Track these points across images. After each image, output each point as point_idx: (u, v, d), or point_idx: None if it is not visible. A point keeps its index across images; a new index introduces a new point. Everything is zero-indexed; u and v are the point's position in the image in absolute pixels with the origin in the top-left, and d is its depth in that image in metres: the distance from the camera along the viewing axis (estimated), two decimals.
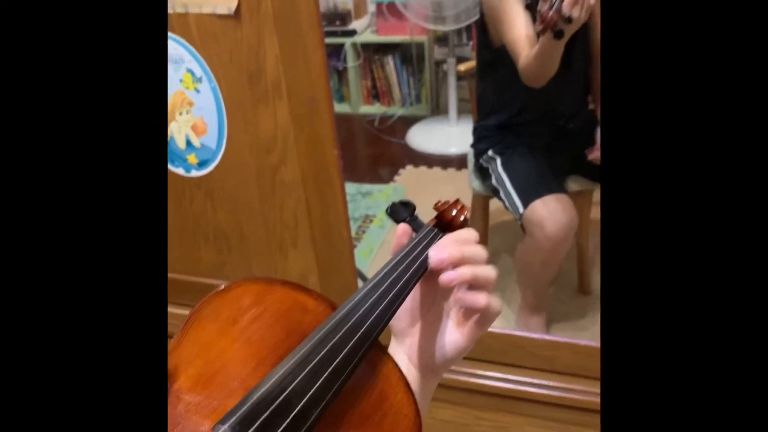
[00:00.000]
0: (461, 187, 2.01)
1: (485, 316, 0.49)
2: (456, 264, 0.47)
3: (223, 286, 0.45)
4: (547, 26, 1.18)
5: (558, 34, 1.20)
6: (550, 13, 1.16)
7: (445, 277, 0.47)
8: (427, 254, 0.50)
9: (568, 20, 1.18)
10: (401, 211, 0.56)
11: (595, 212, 1.69)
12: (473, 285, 0.48)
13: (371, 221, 2.25)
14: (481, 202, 1.73)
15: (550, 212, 1.42)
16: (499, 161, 1.56)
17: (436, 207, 0.58)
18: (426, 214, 0.58)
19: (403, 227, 0.54)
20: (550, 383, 1.17)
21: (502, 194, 1.53)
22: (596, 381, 1.15)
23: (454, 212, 0.57)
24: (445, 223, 0.56)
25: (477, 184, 1.68)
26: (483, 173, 1.63)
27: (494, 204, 1.66)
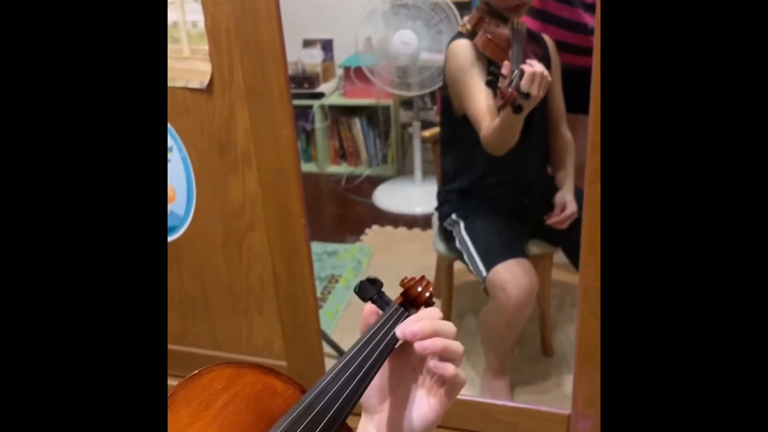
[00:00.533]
0: (426, 247, 2.05)
1: (452, 386, 0.53)
2: (428, 336, 0.51)
3: (197, 372, 0.47)
4: (507, 102, 1.24)
5: (517, 109, 1.26)
6: (510, 89, 1.22)
7: (420, 345, 0.50)
8: (393, 333, 0.52)
9: (527, 96, 1.24)
10: (369, 289, 0.58)
11: (556, 275, 1.74)
12: (443, 356, 0.51)
13: (337, 281, 2.26)
14: (446, 264, 1.76)
15: (512, 276, 1.45)
16: (462, 225, 1.60)
17: (402, 284, 0.60)
18: (392, 275, 0.59)
19: (370, 307, 0.56)
20: None
21: (465, 257, 1.56)
22: None
23: (419, 289, 0.59)
24: (410, 300, 0.58)
25: (441, 246, 1.71)
26: (447, 236, 1.67)
27: (459, 265, 1.70)
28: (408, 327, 0.51)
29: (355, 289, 0.58)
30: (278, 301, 1.20)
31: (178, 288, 1.27)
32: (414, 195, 2.77)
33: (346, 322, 1.99)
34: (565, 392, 1.61)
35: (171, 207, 1.20)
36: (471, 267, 1.53)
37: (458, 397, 1.27)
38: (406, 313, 0.56)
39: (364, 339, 0.52)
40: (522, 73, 1.23)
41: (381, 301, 0.57)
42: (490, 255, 1.49)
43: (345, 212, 2.82)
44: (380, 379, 0.54)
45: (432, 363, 0.51)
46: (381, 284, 0.58)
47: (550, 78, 1.27)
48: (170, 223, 1.21)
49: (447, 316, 1.80)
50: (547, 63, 1.50)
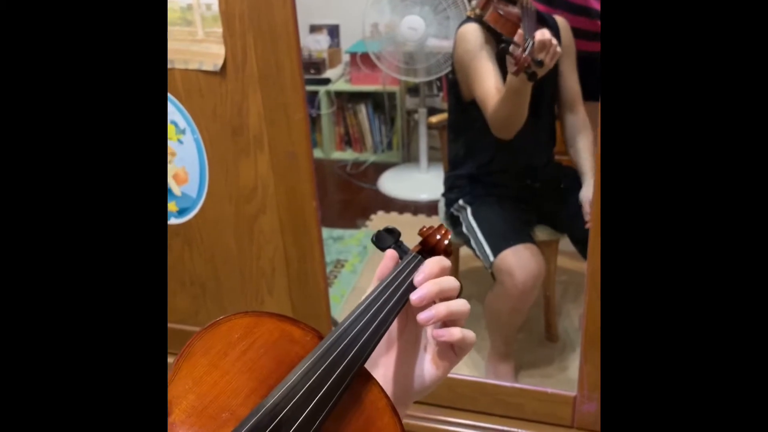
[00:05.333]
0: None
1: (461, 347, 0.52)
2: (434, 297, 0.49)
3: (213, 322, 0.47)
4: (521, 67, 1.25)
5: (531, 76, 1.27)
6: (524, 55, 1.24)
7: (423, 317, 0.49)
8: (411, 282, 0.51)
9: (540, 63, 1.25)
10: (386, 238, 0.57)
11: (561, 261, 1.75)
12: (448, 320, 0.50)
13: (343, 266, 2.27)
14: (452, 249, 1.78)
15: (519, 261, 1.46)
16: (469, 211, 1.61)
17: (420, 233, 0.60)
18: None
19: (391, 252, 0.56)
20: (519, 430, 1.20)
21: (472, 243, 1.57)
22: (564, 428, 1.19)
23: (438, 237, 0.58)
24: (429, 248, 0.58)
25: None
26: (454, 222, 1.68)
27: (464, 250, 1.71)
28: (413, 294, 0.50)
29: (372, 238, 0.57)
30: (289, 283, 1.21)
31: (189, 269, 1.29)
32: (419, 181, 2.78)
33: (352, 306, 2.01)
34: (568, 377, 1.63)
35: (183, 189, 1.21)
36: (478, 252, 1.55)
37: (465, 377, 1.27)
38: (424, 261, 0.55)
39: (382, 286, 0.51)
40: (534, 42, 1.24)
41: (399, 249, 0.56)
42: (497, 240, 1.51)
43: (350, 198, 2.83)
44: (388, 330, 0.52)
45: (435, 332, 0.50)
46: (399, 233, 0.57)
47: (559, 49, 1.28)
48: (182, 204, 1.22)
49: None
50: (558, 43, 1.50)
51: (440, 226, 0.59)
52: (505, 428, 1.21)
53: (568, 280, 1.96)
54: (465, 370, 1.65)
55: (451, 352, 0.52)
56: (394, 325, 0.54)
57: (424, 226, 0.59)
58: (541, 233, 1.64)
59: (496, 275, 1.50)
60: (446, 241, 0.58)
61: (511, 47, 1.26)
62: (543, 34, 1.26)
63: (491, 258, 1.49)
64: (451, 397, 1.22)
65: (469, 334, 0.50)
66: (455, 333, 0.49)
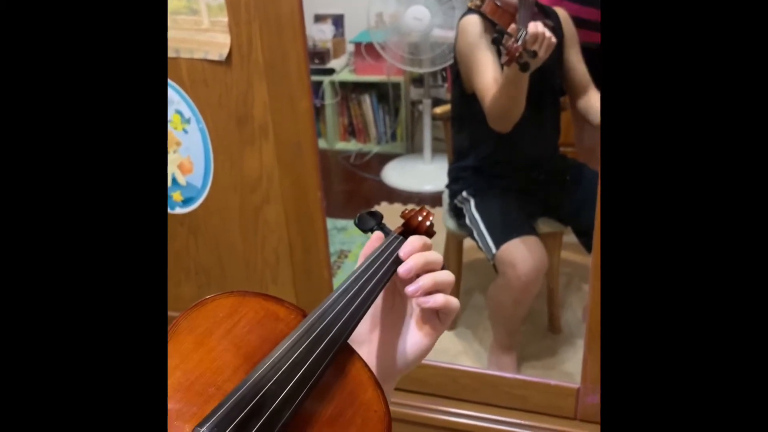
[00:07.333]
0: (436, 223, 2.06)
1: (445, 313, 0.54)
2: (421, 270, 0.52)
3: (199, 301, 0.48)
4: (512, 58, 1.24)
5: (524, 67, 1.26)
6: (515, 45, 1.23)
7: (410, 289, 0.51)
8: (393, 260, 0.53)
9: (533, 55, 1.25)
10: (368, 220, 0.58)
11: (565, 254, 1.75)
12: (434, 290, 0.52)
13: (346, 256, 2.28)
14: (456, 241, 1.78)
15: (522, 253, 1.47)
16: (473, 202, 1.61)
17: (403, 215, 0.61)
18: None
19: (378, 233, 0.57)
20: (522, 422, 1.21)
21: (475, 234, 1.58)
22: (567, 420, 1.19)
23: (419, 218, 0.60)
24: (411, 230, 0.59)
25: (451, 223, 1.72)
26: (457, 213, 1.68)
27: (468, 242, 1.71)
28: (401, 267, 0.52)
29: (354, 221, 0.58)
30: (293, 273, 1.22)
31: (194, 258, 1.29)
32: (423, 172, 2.78)
33: None
34: (570, 369, 1.63)
35: (188, 178, 1.21)
36: (480, 244, 1.55)
37: (468, 368, 1.28)
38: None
39: (364, 266, 0.52)
40: (527, 32, 1.24)
41: (382, 231, 0.57)
42: (500, 232, 1.51)
43: (354, 189, 2.83)
44: (372, 307, 0.54)
45: (418, 300, 0.52)
46: (381, 216, 0.59)
47: (554, 40, 1.27)
48: (187, 194, 1.22)
49: (456, 293, 1.82)
50: (558, 35, 1.49)
51: (422, 208, 0.61)
52: (508, 419, 1.21)
53: (571, 272, 1.96)
54: (468, 362, 1.66)
55: (436, 319, 0.54)
56: (380, 304, 0.56)
57: (406, 209, 0.61)
58: (545, 225, 1.64)
59: (498, 267, 1.50)
60: (428, 223, 0.59)
61: (504, 37, 1.26)
62: (536, 26, 1.25)
63: (493, 250, 1.49)
64: (453, 388, 1.22)
65: (452, 299, 0.52)
66: (439, 298, 0.51)
